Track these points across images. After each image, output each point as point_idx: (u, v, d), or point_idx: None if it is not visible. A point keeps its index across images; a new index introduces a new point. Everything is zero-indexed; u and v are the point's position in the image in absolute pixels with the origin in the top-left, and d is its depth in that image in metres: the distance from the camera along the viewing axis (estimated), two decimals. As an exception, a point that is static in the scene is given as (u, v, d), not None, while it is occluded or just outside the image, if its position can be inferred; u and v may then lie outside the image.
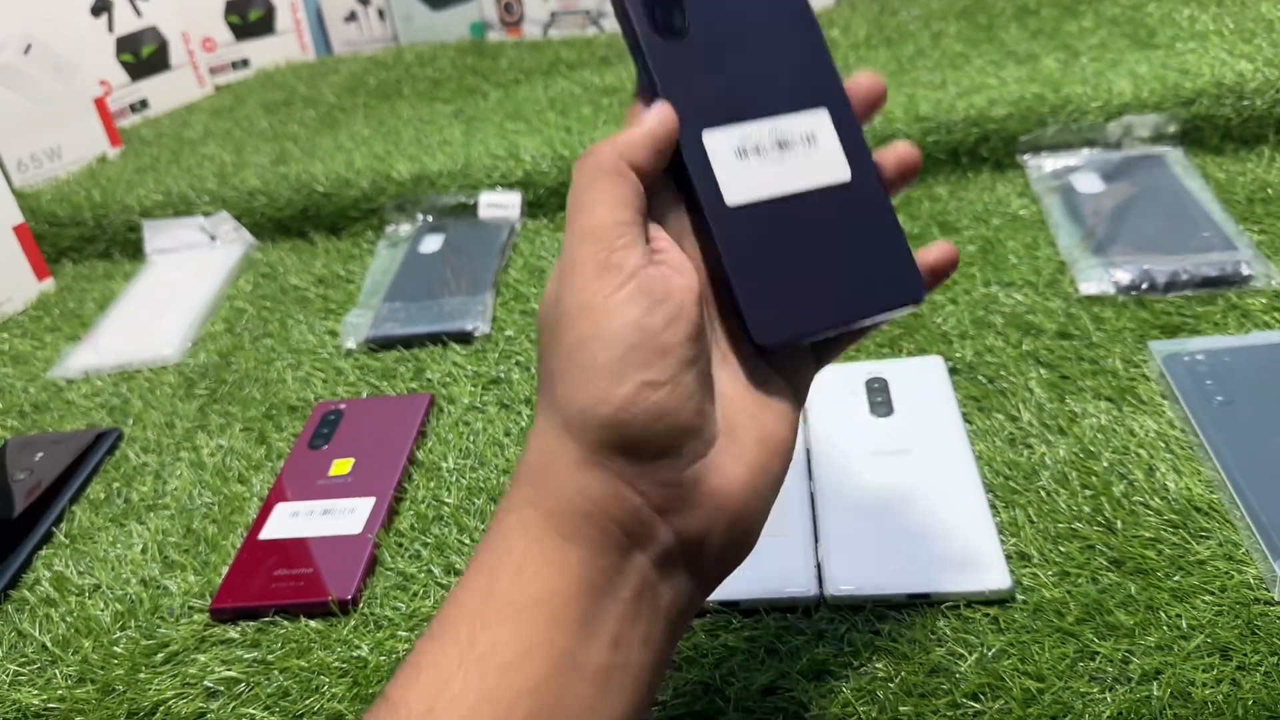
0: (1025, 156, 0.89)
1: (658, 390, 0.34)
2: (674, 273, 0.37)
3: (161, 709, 0.52)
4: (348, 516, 0.62)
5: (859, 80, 0.42)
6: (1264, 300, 0.68)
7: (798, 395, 0.41)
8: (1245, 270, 0.70)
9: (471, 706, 0.32)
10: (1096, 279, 0.72)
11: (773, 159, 0.41)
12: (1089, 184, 0.83)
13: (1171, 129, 0.87)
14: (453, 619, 0.34)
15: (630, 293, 0.35)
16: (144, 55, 1.31)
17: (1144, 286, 0.71)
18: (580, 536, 0.34)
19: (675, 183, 0.40)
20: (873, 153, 0.42)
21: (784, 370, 0.40)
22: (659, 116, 0.38)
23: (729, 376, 0.39)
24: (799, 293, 0.40)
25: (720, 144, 0.40)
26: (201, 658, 0.55)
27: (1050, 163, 0.87)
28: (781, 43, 0.43)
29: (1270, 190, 0.80)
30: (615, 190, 0.37)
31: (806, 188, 0.41)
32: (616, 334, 0.34)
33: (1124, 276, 0.72)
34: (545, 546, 0.34)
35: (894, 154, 0.41)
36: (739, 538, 0.37)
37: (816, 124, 0.42)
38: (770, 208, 0.40)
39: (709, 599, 0.45)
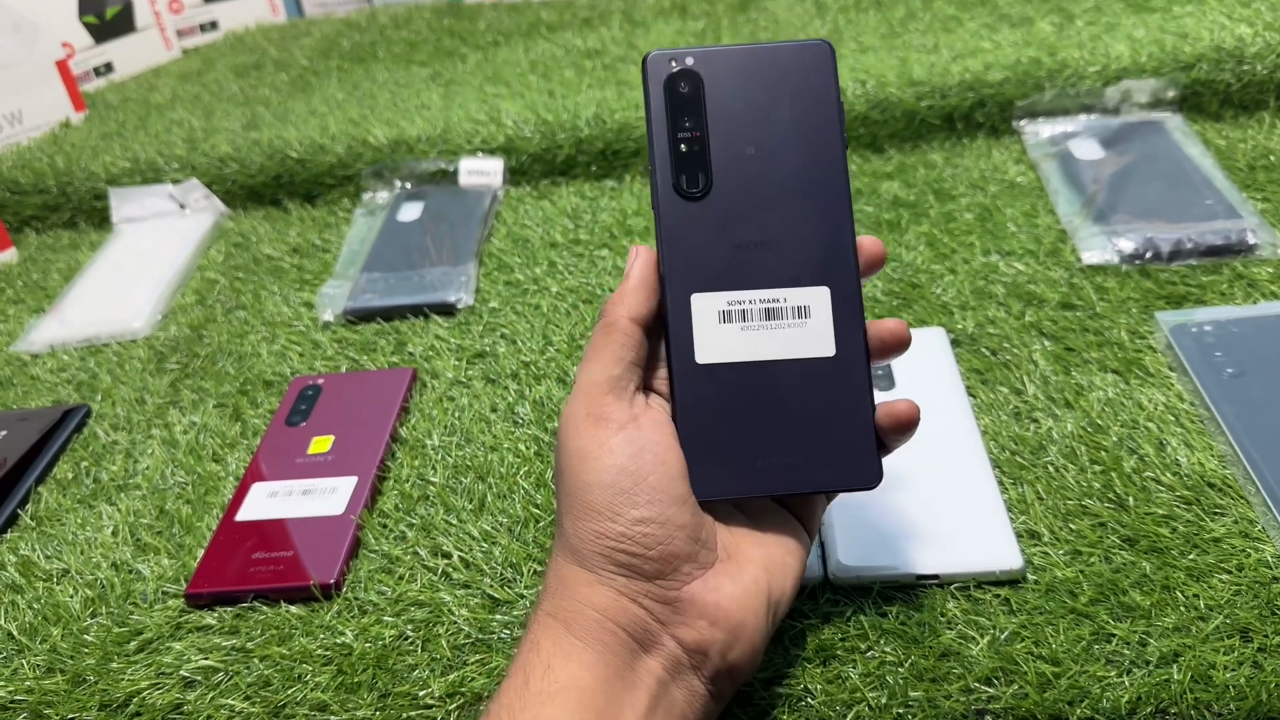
0: (1021, 122, 0.87)
1: (648, 525, 0.40)
2: (664, 419, 0.42)
3: (135, 700, 0.49)
4: (329, 496, 0.59)
5: (861, 243, 0.44)
6: (1270, 269, 0.67)
7: (808, 528, 0.45)
8: (1251, 239, 0.69)
9: None
10: (1099, 248, 0.70)
11: (757, 326, 0.43)
12: (1087, 150, 0.81)
13: (1170, 94, 0.85)
14: (495, 711, 0.38)
15: (619, 442, 0.40)
16: (108, 17, 1.26)
17: (1148, 255, 0.69)
18: (592, 639, 0.39)
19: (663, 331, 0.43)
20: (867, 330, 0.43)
21: (794, 504, 0.45)
22: (639, 266, 0.43)
23: (740, 507, 0.44)
24: (746, 455, 0.42)
25: (705, 306, 0.43)
26: (177, 646, 0.52)
27: (1047, 129, 0.85)
28: (805, 216, 0.43)
29: (1272, 157, 0.78)
30: (610, 348, 0.42)
31: (785, 356, 0.43)
32: (607, 479, 0.40)
33: (1127, 245, 0.70)
34: (566, 648, 0.39)
35: (883, 329, 0.43)
36: (742, 649, 0.40)
37: (814, 299, 0.43)
38: (741, 370, 0.43)
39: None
